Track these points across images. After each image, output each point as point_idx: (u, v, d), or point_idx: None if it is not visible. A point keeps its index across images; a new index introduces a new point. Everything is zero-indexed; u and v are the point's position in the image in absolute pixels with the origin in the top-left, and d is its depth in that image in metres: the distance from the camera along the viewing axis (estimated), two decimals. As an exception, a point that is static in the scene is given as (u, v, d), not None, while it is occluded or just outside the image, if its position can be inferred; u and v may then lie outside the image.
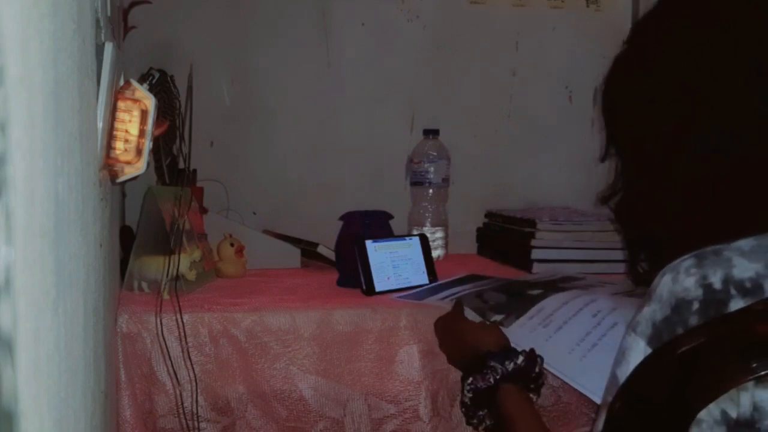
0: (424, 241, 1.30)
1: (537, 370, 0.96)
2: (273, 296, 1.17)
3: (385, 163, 1.67)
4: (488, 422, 0.97)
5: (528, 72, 1.74)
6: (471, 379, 0.95)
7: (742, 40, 0.68)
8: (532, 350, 0.97)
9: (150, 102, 0.75)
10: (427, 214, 1.54)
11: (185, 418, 1.00)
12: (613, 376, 0.66)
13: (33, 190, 0.34)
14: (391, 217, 1.33)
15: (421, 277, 1.26)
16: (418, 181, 1.55)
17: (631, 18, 1.68)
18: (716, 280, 0.61)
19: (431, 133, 1.55)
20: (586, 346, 1.02)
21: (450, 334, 1.06)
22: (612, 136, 0.80)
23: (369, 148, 1.67)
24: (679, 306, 0.62)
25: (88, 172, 0.58)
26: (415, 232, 1.53)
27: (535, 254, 1.43)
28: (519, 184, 1.74)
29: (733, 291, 0.60)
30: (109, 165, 0.73)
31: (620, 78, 0.78)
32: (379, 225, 1.30)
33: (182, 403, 0.99)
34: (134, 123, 0.74)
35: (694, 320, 0.60)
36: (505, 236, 1.56)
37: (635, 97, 0.76)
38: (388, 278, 1.22)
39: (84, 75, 0.55)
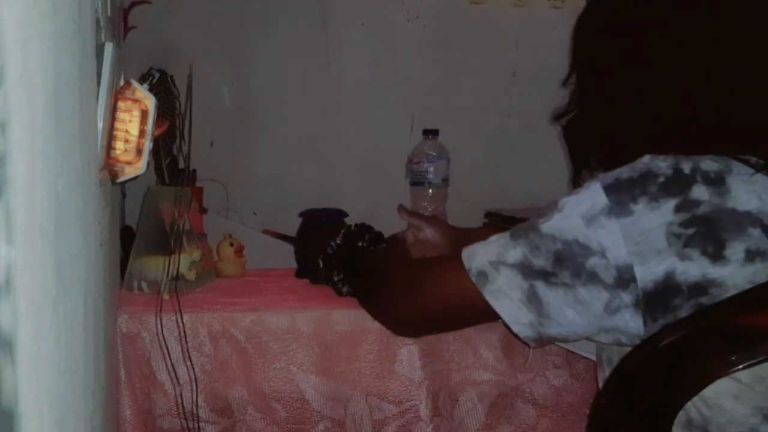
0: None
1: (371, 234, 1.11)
2: (273, 296, 1.17)
3: (384, 163, 1.67)
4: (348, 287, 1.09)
5: (528, 72, 1.74)
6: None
7: None
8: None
9: (150, 102, 0.75)
10: (426, 214, 1.54)
11: (185, 418, 1.00)
12: (555, 202, 0.76)
13: (33, 190, 0.34)
14: (346, 214, 1.39)
15: None
16: (417, 181, 1.55)
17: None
18: (686, 167, 0.68)
19: (431, 133, 1.55)
20: None
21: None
22: (576, 61, 0.89)
23: (369, 148, 1.67)
24: (646, 175, 0.69)
25: (89, 172, 0.58)
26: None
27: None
28: (519, 184, 1.73)
29: (698, 177, 0.67)
30: (109, 165, 0.73)
31: (602, 4, 0.85)
32: (333, 221, 1.37)
33: (182, 403, 0.99)
34: (134, 123, 0.74)
35: (653, 189, 0.67)
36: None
37: (608, 26, 0.82)
38: None
39: (84, 75, 0.55)
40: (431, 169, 1.53)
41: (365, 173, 1.67)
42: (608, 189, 0.69)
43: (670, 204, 0.66)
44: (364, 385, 1.06)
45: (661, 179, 0.67)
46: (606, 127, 0.80)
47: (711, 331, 0.61)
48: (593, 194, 0.71)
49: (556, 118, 0.88)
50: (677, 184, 0.66)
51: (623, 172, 0.70)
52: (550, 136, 1.75)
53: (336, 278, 1.08)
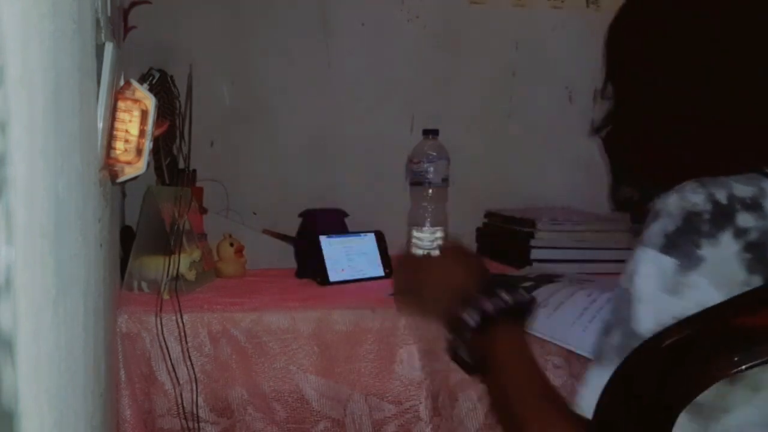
0: (379, 237, 1.39)
1: (531, 312, 0.88)
2: (273, 296, 1.17)
3: (384, 163, 1.67)
4: (465, 356, 0.86)
5: (528, 72, 1.74)
6: (478, 301, 0.84)
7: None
8: (530, 294, 0.89)
9: (150, 102, 0.75)
10: (426, 214, 1.54)
11: (185, 418, 1.00)
12: (624, 292, 0.68)
13: (33, 190, 0.34)
14: (346, 214, 1.41)
15: (376, 270, 1.35)
16: (417, 181, 1.55)
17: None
18: (722, 196, 0.66)
19: (431, 133, 1.55)
20: (585, 319, 1.04)
21: (423, 282, 0.93)
22: (613, 71, 0.84)
23: (369, 148, 1.67)
24: (690, 218, 0.66)
25: (89, 172, 0.58)
26: (414, 233, 1.53)
27: (535, 254, 1.43)
28: (519, 184, 1.74)
29: (737, 206, 0.65)
30: (109, 165, 0.73)
31: (639, 11, 0.82)
32: (333, 221, 1.40)
33: (182, 403, 0.99)
34: (134, 123, 0.74)
35: (706, 228, 0.65)
36: (505, 236, 1.56)
37: (646, 33, 0.79)
38: (343, 270, 1.31)
39: (84, 75, 0.55)
40: (431, 169, 1.53)
41: (365, 173, 1.67)
42: (666, 249, 0.66)
43: (728, 235, 0.64)
44: (364, 385, 1.06)
45: (706, 215, 0.65)
46: (648, 140, 0.78)
47: (713, 332, 0.61)
48: (654, 262, 0.66)
49: (596, 130, 0.85)
50: (723, 216, 0.65)
51: (665, 226, 0.67)
52: (550, 136, 1.75)
53: (465, 357, 0.87)
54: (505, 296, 0.85)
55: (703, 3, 0.76)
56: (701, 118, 0.73)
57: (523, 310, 0.87)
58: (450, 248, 1.02)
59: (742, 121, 0.72)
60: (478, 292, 0.86)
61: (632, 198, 0.81)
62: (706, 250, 0.64)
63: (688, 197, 0.67)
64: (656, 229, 0.67)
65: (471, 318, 0.84)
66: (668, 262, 0.66)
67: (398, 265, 1.05)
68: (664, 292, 0.65)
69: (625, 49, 0.82)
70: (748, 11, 0.73)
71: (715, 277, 0.64)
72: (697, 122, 0.73)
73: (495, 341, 0.83)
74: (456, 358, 0.88)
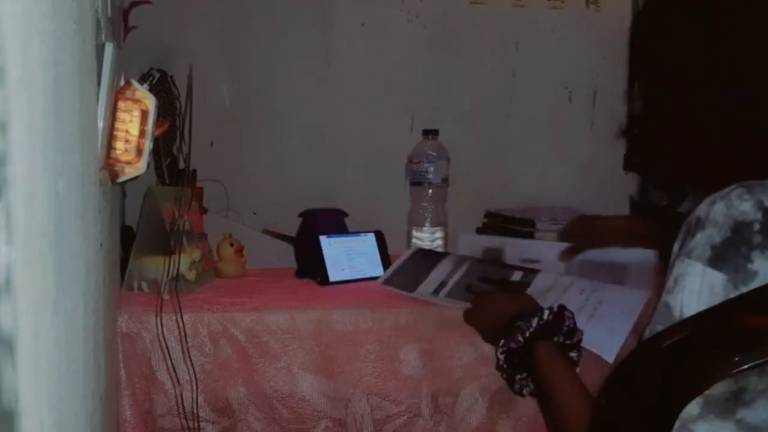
0: (379, 237, 1.39)
1: (567, 324, 0.95)
2: (273, 296, 1.17)
3: (384, 163, 1.67)
4: (531, 386, 0.95)
5: (528, 72, 1.74)
6: (502, 341, 0.95)
7: None
8: (561, 306, 0.96)
9: (150, 102, 0.75)
10: (426, 214, 1.54)
11: (185, 418, 1.00)
12: (665, 305, 0.64)
13: (33, 190, 0.34)
14: (346, 214, 1.40)
15: (376, 270, 1.35)
16: (417, 181, 1.55)
17: (631, 18, 1.68)
18: None
19: (431, 133, 1.55)
20: (583, 318, 1.05)
21: (481, 314, 1.07)
22: (639, 69, 0.81)
23: (369, 148, 1.67)
24: (740, 227, 0.61)
25: (89, 172, 0.58)
26: (414, 233, 1.53)
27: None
28: (519, 184, 1.74)
29: None
30: (109, 165, 0.73)
31: (668, 10, 0.79)
32: (333, 221, 1.40)
33: (182, 403, 0.99)
34: (134, 123, 0.74)
35: (757, 239, 0.60)
36: (505, 236, 1.56)
37: (672, 34, 0.76)
38: (343, 270, 1.31)
39: (84, 75, 0.55)
40: (431, 169, 1.53)
41: (365, 173, 1.67)
42: (714, 262, 0.62)
43: None
44: (365, 385, 1.06)
45: (757, 226, 0.61)
46: (681, 141, 0.75)
47: (714, 331, 0.60)
48: (702, 277, 0.62)
49: (623, 132, 0.84)
50: None
51: (711, 236, 0.62)
52: (550, 136, 1.76)
53: (518, 377, 0.96)
54: (533, 321, 0.94)
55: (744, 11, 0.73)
56: (736, 118, 0.70)
57: (553, 327, 0.94)
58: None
59: None
60: (501, 333, 0.95)
61: (661, 203, 0.79)
62: (759, 263, 0.60)
63: (736, 205, 0.62)
64: (702, 240, 0.63)
65: (501, 359, 0.95)
66: (716, 277, 0.61)
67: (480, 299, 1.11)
68: None
69: (654, 48, 0.79)
70: None
71: None
72: (731, 122, 0.70)
73: (533, 365, 0.91)
74: (511, 387, 0.98)
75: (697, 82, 0.73)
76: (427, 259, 1.33)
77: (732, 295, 0.60)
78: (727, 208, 0.62)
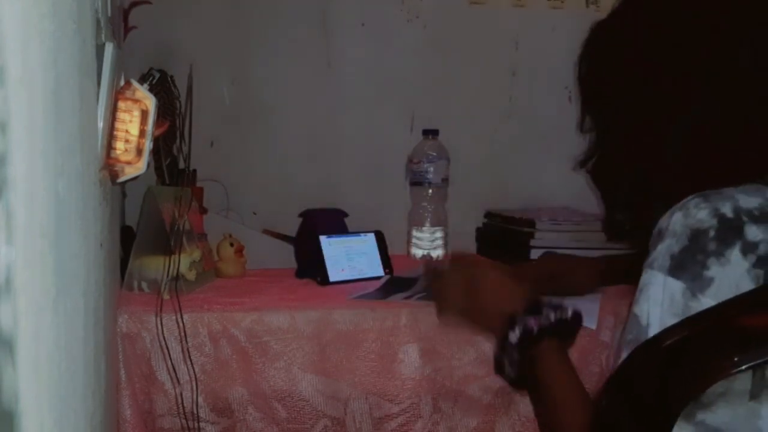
0: (379, 237, 1.39)
1: (576, 328, 0.91)
2: (273, 296, 1.17)
3: (384, 163, 1.67)
4: (512, 373, 0.90)
5: (528, 72, 1.74)
6: (524, 320, 0.87)
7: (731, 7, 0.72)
8: (575, 310, 0.92)
9: (150, 102, 0.75)
10: (426, 214, 1.54)
11: (185, 418, 1.00)
12: (633, 316, 0.66)
13: (33, 190, 0.34)
14: (346, 214, 1.41)
15: (376, 270, 1.35)
16: (417, 181, 1.55)
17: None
18: (727, 210, 0.63)
19: (431, 133, 1.55)
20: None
21: (484, 291, 0.97)
22: (590, 102, 0.83)
23: (369, 148, 1.67)
24: (696, 236, 0.63)
25: (89, 172, 0.58)
26: (414, 233, 1.53)
27: (535, 254, 1.43)
28: (519, 184, 1.73)
29: (744, 218, 0.63)
30: (109, 165, 0.73)
31: (605, 42, 0.83)
32: (333, 221, 1.41)
33: (182, 403, 0.99)
34: (135, 123, 0.74)
35: (712, 246, 0.62)
36: (505, 236, 1.56)
37: (623, 60, 0.79)
38: (343, 270, 1.31)
39: (84, 75, 0.55)
40: (431, 169, 1.53)
41: (365, 173, 1.67)
42: (673, 271, 0.64)
43: (735, 252, 0.62)
44: (365, 384, 1.06)
45: (712, 233, 0.63)
46: (636, 167, 0.76)
47: (713, 332, 0.60)
48: (662, 286, 0.64)
49: (581, 164, 0.84)
50: (730, 231, 0.63)
51: (670, 246, 0.65)
52: (550, 136, 1.75)
53: (510, 373, 0.91)
54: (551, 315, 0.88)
55: (682, 26, 0.74)
56: (692, 133, 0.71)
57: (567, 327, 0.90)
58: (460, 256, 1.05)
59: (735, 133, 0.70)
60: (525, 311, 0.88)
61: (624, 225, 0.80)
62: (714, 270, 0.62)
63: (693, 213, 0.64)
64: (662, 250, 0.65)
65: (514, 336, 0.87)
66: (676, 286, 0.64)
67: (437, 275, 1.03)
68: (674, 316, 0.63)
69: (602, 79, 0.81)
70: (729, 30, 0.71)
71: (725, 298, 0.61)
72: (688, 137, 0.71)
73: (538, 358, 0.86)
74: (501, 373, 0.90)
75: (647, 108, 0.74)
76: (400, 282, 1.29)
77: (691, 303, 0.63)
78: (684, 217, 0.64)
